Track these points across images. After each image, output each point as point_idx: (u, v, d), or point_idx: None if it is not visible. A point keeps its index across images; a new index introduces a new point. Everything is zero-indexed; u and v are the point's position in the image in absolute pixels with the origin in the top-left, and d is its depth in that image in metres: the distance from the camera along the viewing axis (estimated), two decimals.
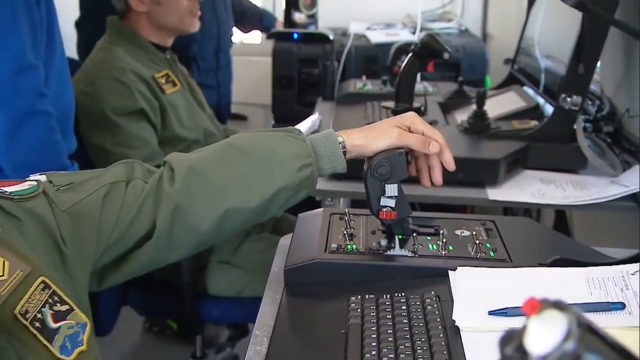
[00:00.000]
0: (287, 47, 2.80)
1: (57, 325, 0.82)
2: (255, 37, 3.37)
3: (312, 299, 1.05)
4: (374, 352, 0.87)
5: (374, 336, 0.90)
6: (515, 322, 0.94)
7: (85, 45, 2.27)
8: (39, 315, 0.81)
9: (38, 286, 0.83)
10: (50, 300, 0.83)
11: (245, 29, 3.17)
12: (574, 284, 1.00)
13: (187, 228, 1.04)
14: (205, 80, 2.56)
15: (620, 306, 0.94)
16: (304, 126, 1.92)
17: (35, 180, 0.96)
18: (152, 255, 1.04)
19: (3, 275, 0.79)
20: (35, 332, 0.79)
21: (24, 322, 0.79)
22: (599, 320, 0.92)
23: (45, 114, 1.42)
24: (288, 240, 1.25)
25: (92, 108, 1.79)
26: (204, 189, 1.05)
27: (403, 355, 0.86)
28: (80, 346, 0.83)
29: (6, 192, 0.90)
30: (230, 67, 2.82)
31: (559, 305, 0.40)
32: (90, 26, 2.33)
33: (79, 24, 2.40)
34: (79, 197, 0.98)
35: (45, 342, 0.80)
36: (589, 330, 0.39)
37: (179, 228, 1.04)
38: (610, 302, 0.95)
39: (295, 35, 2.82)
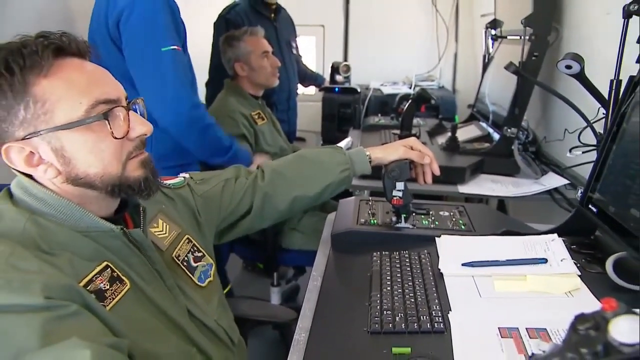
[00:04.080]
0: (331, 96, 2.78)
1: (196, 265, 0.83)
2: (311, 90, 3.33)
3: (349, 253, 1.04)
4: (388, 288, 0.86)
5: (388, 278, 0.89)
6: (478, 271, 0.91)
7: (211, 96, 2.29)
8: (185, 258, 0.82)
9: (184, 240, 0.84)
10: (191, 249, 0.84)
11: (305, 85, 3.14)
12: (515, 246, 0.98)
13: (272, 208, 1.04)
14: (280, 116, 2.54)
15: (544, 261, 0.92)
16: (342, 144, 1.90)
17: (183, 177, 0.97)
18: (250, 224, 1.05)
19: (166, 234, 0.81)
20: (184, 268, 0.80)
21: (177, 262, 0.80)
22: (531, 269, 0.89)
23: (213, 124, 1.55)
24: (333, 216, 1.24)
25: None
26: (282, 183, 1.04)
27: (407, 290, 0.84)
28: (209, 278, 0.84)
29: (166, 183, 0.91)
30: (296, 108, 2.80)
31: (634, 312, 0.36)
32: (213, 85, 2.35)
33: (207, 84, 2.43)
34: (208, 188, 0.99)
35: (189, 274, 0.81)
36: None
37: (266, 208, 1.03)
38: (538, 258, 0.92)
39: (336, 89, 2.79)
